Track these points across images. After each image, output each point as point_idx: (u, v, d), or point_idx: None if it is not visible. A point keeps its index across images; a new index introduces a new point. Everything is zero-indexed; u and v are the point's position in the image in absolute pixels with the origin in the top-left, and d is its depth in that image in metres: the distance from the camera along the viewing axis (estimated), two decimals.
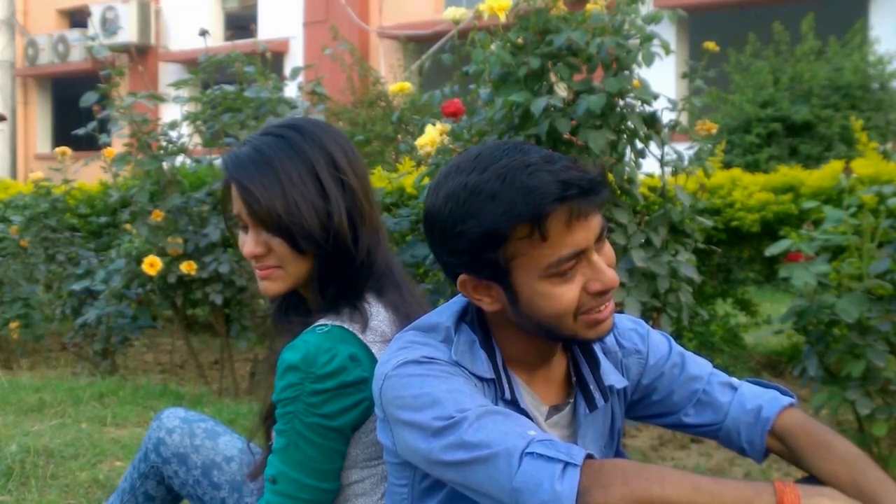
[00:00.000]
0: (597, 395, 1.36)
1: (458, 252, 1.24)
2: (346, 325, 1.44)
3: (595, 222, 1.23)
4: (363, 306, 1.47)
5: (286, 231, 1.45)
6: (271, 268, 1.49)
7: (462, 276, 1.28)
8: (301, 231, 1.44)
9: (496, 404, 1.27)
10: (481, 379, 1.29)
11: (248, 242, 1.49)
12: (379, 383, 1.27)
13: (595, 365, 1.38)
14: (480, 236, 1.20)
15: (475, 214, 1.20)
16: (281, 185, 1.44)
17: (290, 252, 1.47)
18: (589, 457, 1.10)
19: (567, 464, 1.08)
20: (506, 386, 1.29)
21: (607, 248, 1.27)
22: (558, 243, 1.20)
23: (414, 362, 1.25)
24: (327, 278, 1.49)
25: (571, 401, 1.38)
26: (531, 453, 1.10)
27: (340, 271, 1.48)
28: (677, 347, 1.48)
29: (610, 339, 1.43)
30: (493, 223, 1.19)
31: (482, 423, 1.16)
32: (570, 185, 1.18)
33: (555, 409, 1.36)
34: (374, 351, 1.43)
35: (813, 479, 1.30)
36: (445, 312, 1.36)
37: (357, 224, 1.48)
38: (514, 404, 1.29)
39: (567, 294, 1.23)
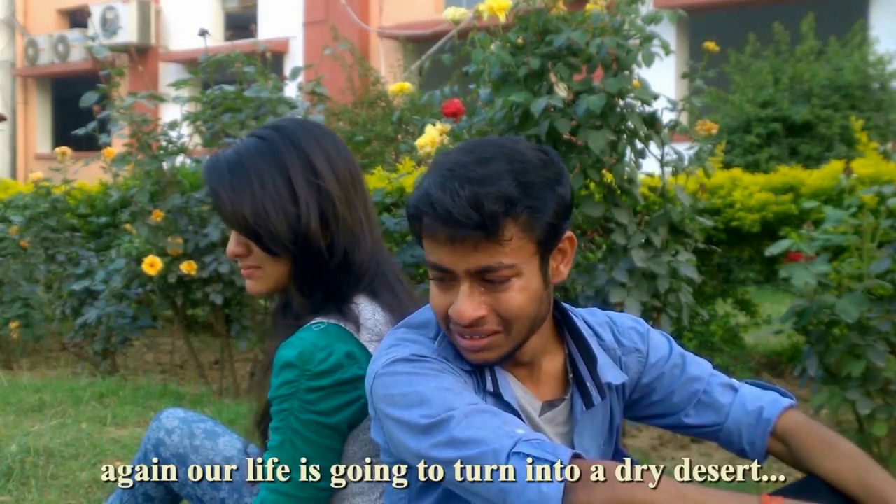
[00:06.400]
0: (594, 393, 1.35)
1: None
2: (341, 324, 1.44)
3: (468, 255, 1.20)
4: (349, 308, 1.47)
5: (254, 233, 1.47)
6: (252, 268, 1.53)
7: None
8: (268, 234, 1.46)
9: (481, 396, 1.28)
10: (465, 371, 1.29)
11: (231, 242, 1.54)
12: (370, 381, 1.28)
13: (592, 362, 1.37)
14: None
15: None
16: (251, 189, 1.46)
17: (264, 254, 1.49)
18: (577, 456, 1.10)
19: (553, 464, 1.08)
20: (488, 377, 1.29)
21: (506, 295, 1.22)
22: (428, 250, 1.24)
23: (404, 360, 1.25)
24: (306, 280, 1.50)
25: (567, 397, 1.37)
26: (518, 453, 1.10)
27: (318, 274, 1.49)
28: (678, 348, 1.48)
29: (608, 337, 1.43)
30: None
31: (470, 421, 1.16)
32: (420, 206, 1.22)
33: (549, 405, 1.36)
34: (370, 350, 1.43)
35: (813, 479, 1.31)
36: None
37: (332, 227, 1.48)
38: (497, 397, 1.28)
39: (437, 300, 1.27)
